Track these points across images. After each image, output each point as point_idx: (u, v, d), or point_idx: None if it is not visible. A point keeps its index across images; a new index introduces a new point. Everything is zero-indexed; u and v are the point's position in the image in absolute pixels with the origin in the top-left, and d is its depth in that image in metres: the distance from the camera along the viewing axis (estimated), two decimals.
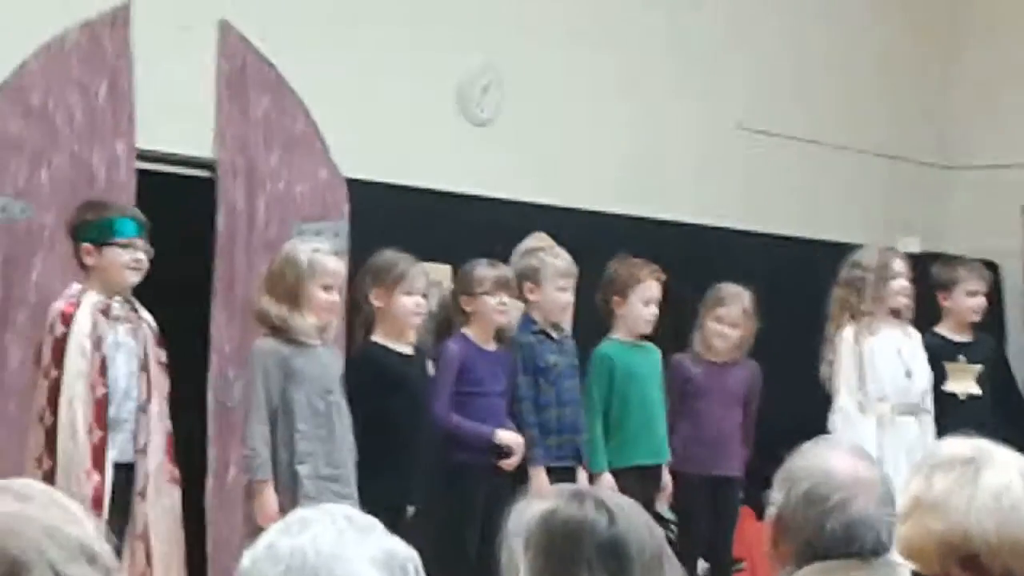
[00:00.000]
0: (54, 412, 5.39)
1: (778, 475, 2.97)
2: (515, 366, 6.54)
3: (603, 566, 2.45)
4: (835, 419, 7.16)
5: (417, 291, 6.10)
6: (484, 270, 6.43)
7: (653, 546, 2.49)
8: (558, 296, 6.67)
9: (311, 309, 5.76)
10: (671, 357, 7.29)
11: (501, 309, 6.40)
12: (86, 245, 5.58)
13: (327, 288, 5.79)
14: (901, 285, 7.27)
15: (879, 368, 7.20)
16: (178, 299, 6.59)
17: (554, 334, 6.71)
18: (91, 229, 5.60)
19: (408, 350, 6.16)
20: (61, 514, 1.82)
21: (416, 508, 6.03)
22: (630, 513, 2.51)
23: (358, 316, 6.20)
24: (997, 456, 2.85)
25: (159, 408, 5.62)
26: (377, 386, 5.98)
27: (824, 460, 2.93)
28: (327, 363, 5.83)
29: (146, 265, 5.66)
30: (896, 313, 7.31)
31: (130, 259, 5.58)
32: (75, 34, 6.27)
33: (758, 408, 7.36)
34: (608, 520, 2.48)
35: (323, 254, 5.85)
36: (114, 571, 1.83)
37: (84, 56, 6.28)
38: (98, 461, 5.38)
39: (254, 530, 5.64)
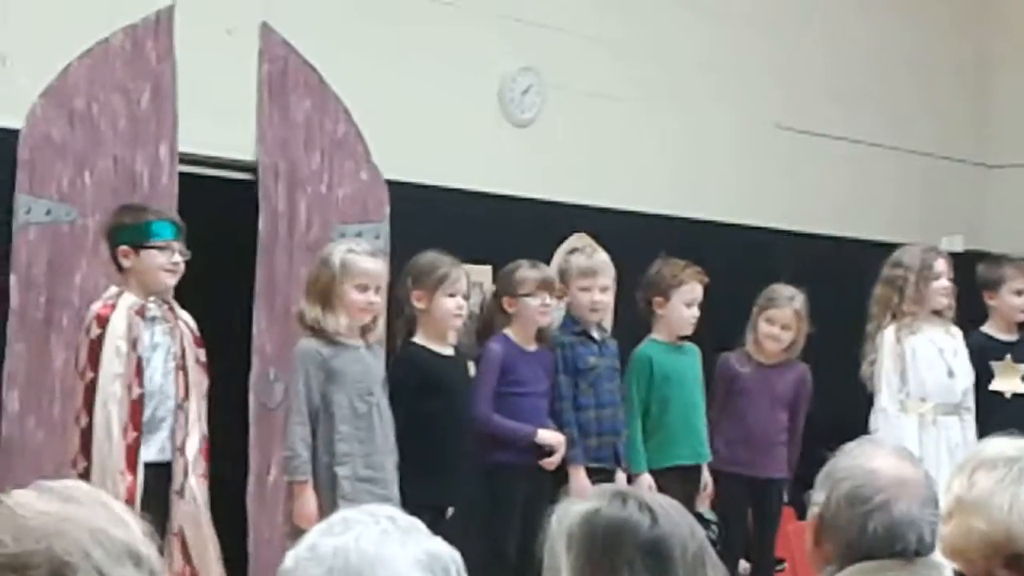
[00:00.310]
0: (89, 414, 5.39)
1: (820, 475, 2.96)
2: (556, 366, 6.54)
3: (645, 566, 2.45)
4: (876, 419, 7.13)
5: (459, 293, 6.09)
6: (526, 271, 6.43)
7: (695, 547, 2.49)
8: (580, 296, 6.64)
9: (345, 309, 5.76)
10: (718, 355, 7.28)
11: (543, 310, 6.40)
12: (123, 248, 5.58)
13: (362, 288, 5.77)
14: (942, 285, 7.23)
15: (920, 368, 7.17)
16: (220, 301, 6.63)
17: (596, 335, 6.69)
18: (128, 232, 5.61)
19: (449, 351, 6.16)
20: (107, 516, 1.83)
21: (456, 509, 6.03)
22: (672, 514, 2.52)
23: (399, 317, 6.20)
24: None
25: (197, 407, 5.63)
26: (418, 387, 5.98)
27: (867, 460, 2.92)
28: (369, 364, 5.82)
29: (182, 268, 5.66)
30: (938, 312, 7.27)
31: (167, 261, 5.58)
32: (118, 38, 6.30)
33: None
34: (651, 520, 2.49)
35: (358, 254, 5.83)
36: (159, 573, 1.84)
37: (127, 60, 6.32)
38: (131, 461, 5.38)
39: (295, 530, 5.67)
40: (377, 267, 5.83)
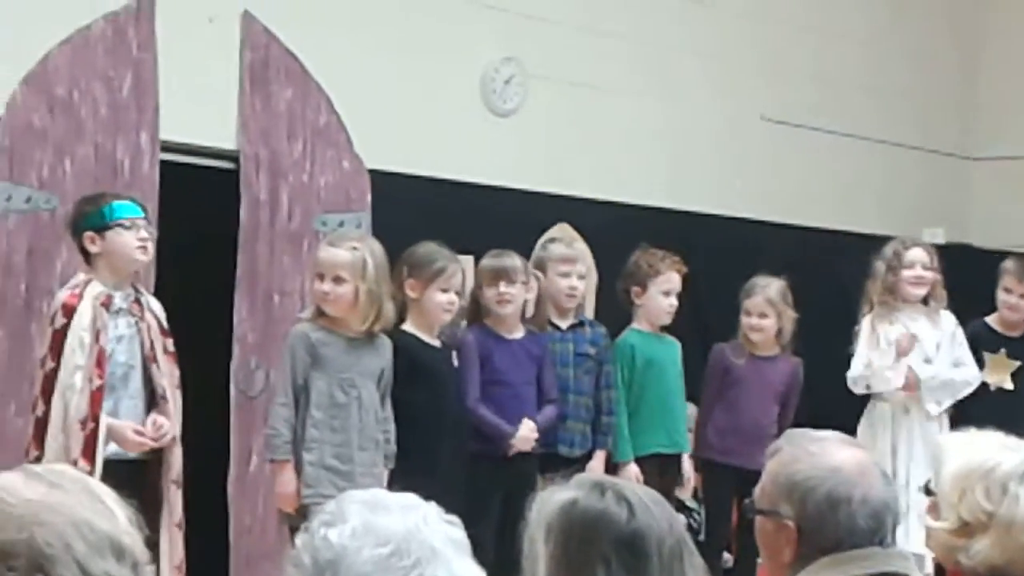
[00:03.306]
0: (46, 403, 5.32)
1: (778, 486, 2.88)
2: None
3: (620, 560, 2.44)
4: (857, 384, 7.17)
5: (452, 288, 6.05)
6: (484, 261, 6.45)
7: (672, 541, 2.47)
8: (559, 281, 6.65)
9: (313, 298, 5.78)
10: (703, 346, 7.28)
11: (499, 299, 6.36)
12: (88, 234, 5.48)
13: (319, 277, 5.72)
14: (913, 275, 7.24)
15: (894, 356, 7.20)
16: (201, 290, 6.61)
17: (561, 323, 6.69)
18: (91, 217, 5.50)
19: (436, 342, 6.14)
20: (92, 505, 1.80)
21: (440, 496, 6.00)
22: (651, 506, 2.50)
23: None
24: None
25: (173, 396, 5.60)
26: (405, 374, 5.96)
27: (826, 458, 2.87)
28: (361, 357, 5.76)
29: (152, 245, 5.58)
30: (924, 302, 7.28)
31: (134, 238, 5.48)
32: (100, 26, 6.28)
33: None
34: (628, 514, 2.47)
35: (323, 244, 5.84)
36: (143, 564, 1.81)
37: (109, 48, 6.30)
38: (89, 452, 5.30)
39: (282, 513, 5.68)
40: (331, 256, 5.73)
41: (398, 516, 2.00)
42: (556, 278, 6.65)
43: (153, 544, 5.08)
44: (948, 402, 7.20)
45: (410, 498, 2.06)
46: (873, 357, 7.19)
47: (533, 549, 2.51)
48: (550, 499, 2.53)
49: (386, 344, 5.85)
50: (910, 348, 7.12)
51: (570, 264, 6.68)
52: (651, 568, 2.44)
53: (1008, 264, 7.64)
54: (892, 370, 7.12)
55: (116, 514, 1.82)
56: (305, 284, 6.38)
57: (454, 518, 2.06)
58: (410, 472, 5.80)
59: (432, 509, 2.04)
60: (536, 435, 6.34)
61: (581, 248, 6.94)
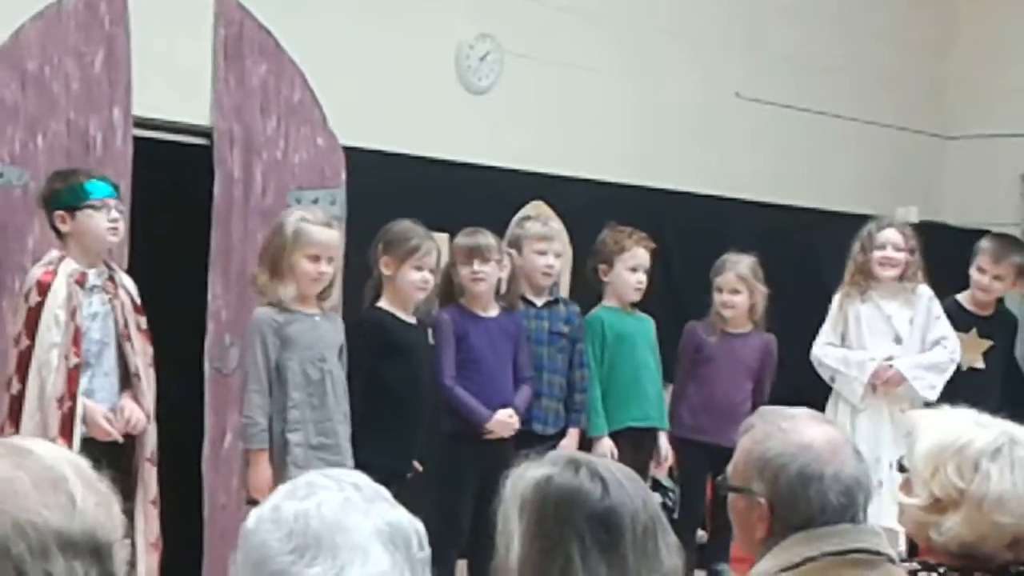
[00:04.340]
0: (22, 381, 5.31)
1: (750, 464, 2.87)
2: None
3: (594, 537, 2.44)
4: (821, 369, 7.18)
5: (426, 267, 6.05)
6: (458, 239, 6.46)
7: (646, 518, 2.47)
8: (536, 259, 6.66)
9: (295, 278, 5.71)
10: (678, 324, 7.29)
11: (472, 277, 6.37)
12: (59, 212, 5.46)
13: (313, 258, 5.71)
14: (883, 255, 7.23)
15: (864, 335, 7.21)
16: (174, 266, 6.59)
17: (536, 300, 6.70)
18: (62, 195, 5.48)
19: (411, 319, 6.14)
20: (45, 496, 1.71)
21: (413, 474, 6.01)
22: (624, 484, 2.49)
23: (369, 280, 6.15)
24: None
25: (146, 374, 5.58)
26: (380, 351, 5.96)
27: (797, 435, 2.87)
28: (323, 331, 5.78)
29: (123, 225, 5.57)
30: (900, 278, 7.26)
31: (105, 219, 5.46)
32: (72, 0, 6.24)
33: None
34: (602, 490, 2.47)
35: (310, 223, 5.76)
36: (110, 544, 1.75)
37: (81, 23, 6.26)
38: (65, 430, 5.29)
39: (251, 497, 5.65)
40: (329, 237, 5.75)
41: (300, 501, 2.00)
42: (532, 256, 6.66)
43: (128, 520, 5.09)
44: (941, 383, 7.16)
45: (339, 480, 2.04)
46: (836, 355, 7.19)
47: (507, 526, 2.50)
48: (524, 475, 2.52)
49: (338, 318, 5.88)
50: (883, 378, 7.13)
51: (546, 242, 6.70)
52: (625, 545, 2.43)
53: (984, 244, 7.64)
54: (859, 383, 7.12)
55: (75, 498, 1.73)
56: None
57: (388, 504, 2.03)
58: (385, 450, 5.80)
59: (350, 494, 2.01)
60: (514, 420, 6.34)
61: (556, 227, 6.96)
